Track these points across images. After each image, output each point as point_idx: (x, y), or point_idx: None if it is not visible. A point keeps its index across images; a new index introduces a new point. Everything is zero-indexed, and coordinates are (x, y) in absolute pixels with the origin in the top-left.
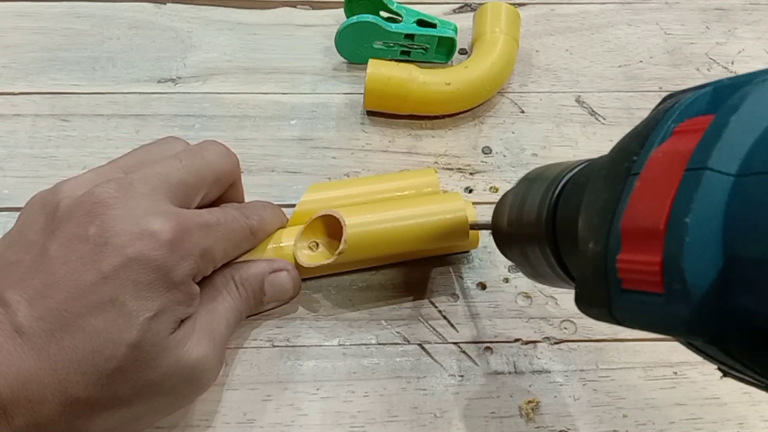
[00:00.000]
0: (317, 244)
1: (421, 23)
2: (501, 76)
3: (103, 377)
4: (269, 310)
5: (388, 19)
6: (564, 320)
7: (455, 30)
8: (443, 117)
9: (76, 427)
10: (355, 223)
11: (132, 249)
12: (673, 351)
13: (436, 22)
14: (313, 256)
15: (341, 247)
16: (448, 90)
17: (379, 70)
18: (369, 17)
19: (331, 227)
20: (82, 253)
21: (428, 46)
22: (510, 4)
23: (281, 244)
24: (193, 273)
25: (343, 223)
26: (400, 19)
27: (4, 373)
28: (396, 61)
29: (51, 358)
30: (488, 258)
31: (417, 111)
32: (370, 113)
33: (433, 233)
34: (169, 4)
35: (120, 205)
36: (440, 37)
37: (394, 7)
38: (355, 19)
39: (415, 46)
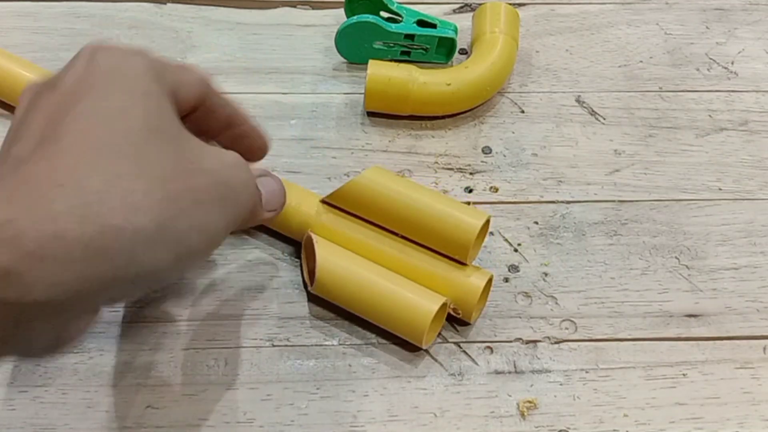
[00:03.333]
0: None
1: (421, 23)
2: (501, 76)
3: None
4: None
5: (388, 19)
6: (564, 320)
7: (455, 30)
8: (443, 117)
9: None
10: (327, 272)
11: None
12: (673, 351)
13: (436, 22)
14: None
15: (311, 285)
16: (448, 90)
17: (380, 71)
18: (369, 17)
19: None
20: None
21: (428, 46)
22: (510, 4)
23: (300, 207)
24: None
25: (315, 266)
26: (400, 19)
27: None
28: (396, 61)
29: None
30: (488, 258)
31: (417, 112)
32: (370, 113)
33: (395, 319)
34: (169, 4)
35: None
36: (440, 38)
37: (394, 7)
38: (355, 19)
39: (415, 47)
